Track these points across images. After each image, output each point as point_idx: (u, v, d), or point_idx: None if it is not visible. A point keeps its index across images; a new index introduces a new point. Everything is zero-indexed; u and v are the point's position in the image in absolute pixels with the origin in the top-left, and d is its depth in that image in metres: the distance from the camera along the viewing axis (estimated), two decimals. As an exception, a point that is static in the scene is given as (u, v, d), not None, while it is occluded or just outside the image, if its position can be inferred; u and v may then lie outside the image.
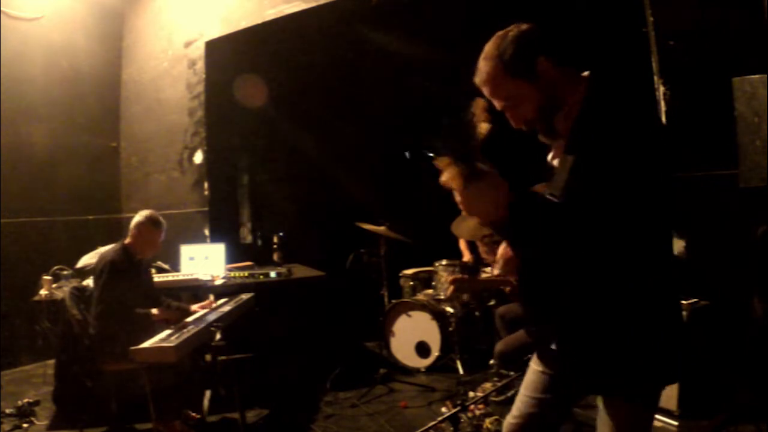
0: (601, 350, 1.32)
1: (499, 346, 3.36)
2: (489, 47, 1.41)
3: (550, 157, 1.52)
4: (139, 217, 3.34)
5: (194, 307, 3.48)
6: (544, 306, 1.42)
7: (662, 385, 1.39)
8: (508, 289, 3.56)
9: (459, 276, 4.23)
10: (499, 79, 1.39)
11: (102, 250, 3.82)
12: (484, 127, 1.25)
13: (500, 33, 1.42)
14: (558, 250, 1.28)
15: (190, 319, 3.22)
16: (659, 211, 1.29)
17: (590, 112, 1.32)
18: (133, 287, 3.22)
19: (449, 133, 1.25)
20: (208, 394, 3.49)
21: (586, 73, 1.42)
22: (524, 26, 1.40)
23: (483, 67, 1.41)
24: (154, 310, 3.22)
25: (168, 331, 2.91)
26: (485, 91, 1.42)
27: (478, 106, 1.26)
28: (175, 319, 3.13)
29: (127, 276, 3.19)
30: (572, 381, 1.46)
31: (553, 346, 1.42)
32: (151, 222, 3.33)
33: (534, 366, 1.61)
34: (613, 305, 1.29)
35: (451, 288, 3.93)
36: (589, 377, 1.38)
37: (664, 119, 3.24)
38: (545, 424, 1.59)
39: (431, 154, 1.26)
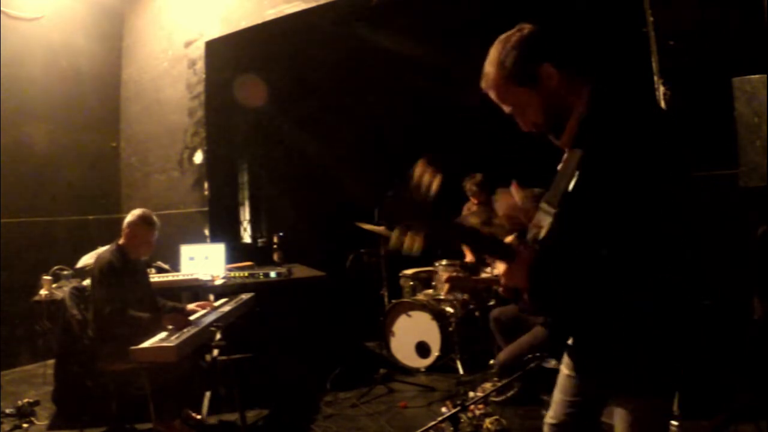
0: (614, 352, 1.32)
1: (501, 356, 3.36)
2: (493, 52, 1.38)
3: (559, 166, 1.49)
4: (131, 216, 3.27)
5: (190, 306, 3.46)
6: (561, 316, 1.43)
7: (671, 385, 1.37)
8: (501, 289, 3.57)
9: (455, 274, 4.23)
10: (502, 87, 1.37)
11: (101, 250, 3.81)
12: (435, 184, 1.28)
13: (503, 37, 1.37)
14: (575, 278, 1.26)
15: (189, 318, 3.21)
16: (671, 215, 1.23)
17: (592, 121, 1.30)
18: (131, 288, 3.18)
19: (396, 203, 1.31)
20: (208, 394, 3.48)
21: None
22: (526, 30, 1.35)
23: (488, 73, 1.39)
24: (167, 322, 3.10)
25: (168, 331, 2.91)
26: (491, 95, 1.40)
27: (420, 167, 1.29)
28: (184, 323, 3.07)
29: (125, 276, 3.15)
30: (592, 381, 1.47)
31: (572, 348, 1.45)
32: (143, 221, 3.25)
33: (564, 369, 1.60)
34: (624, 310, 1.28)
35: (447, 286, 3.93)
36: (606, 376, 1.38)
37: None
38: (580, 427, 1.58)
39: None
